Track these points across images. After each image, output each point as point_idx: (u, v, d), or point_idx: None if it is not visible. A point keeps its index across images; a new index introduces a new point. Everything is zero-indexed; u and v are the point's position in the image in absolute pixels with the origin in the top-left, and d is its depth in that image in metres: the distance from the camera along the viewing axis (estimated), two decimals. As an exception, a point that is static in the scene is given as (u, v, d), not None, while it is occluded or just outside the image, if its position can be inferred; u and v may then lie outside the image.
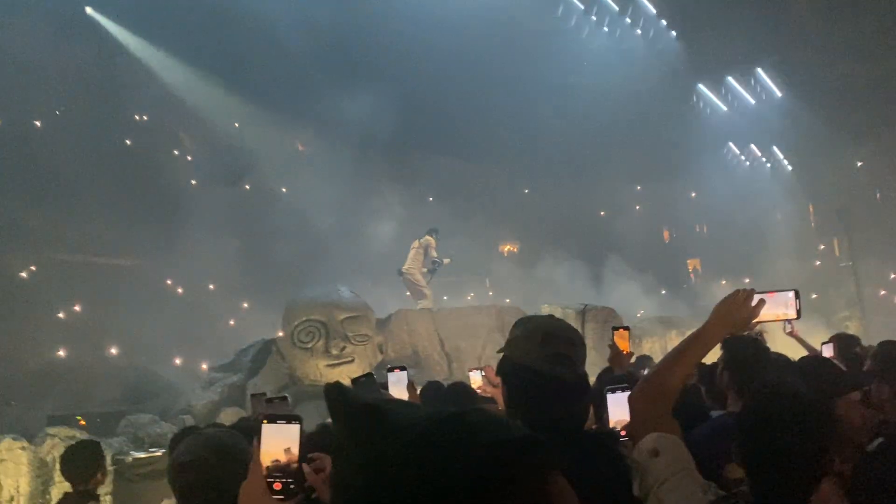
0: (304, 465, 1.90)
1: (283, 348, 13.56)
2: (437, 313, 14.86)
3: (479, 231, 19.96)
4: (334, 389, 0.98)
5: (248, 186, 19.40)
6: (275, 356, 13.53)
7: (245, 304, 17.81)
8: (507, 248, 23.55)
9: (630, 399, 2.25)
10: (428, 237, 15.47)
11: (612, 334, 4.14)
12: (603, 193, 25.24)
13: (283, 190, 19.27)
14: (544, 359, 2.21)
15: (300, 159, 19.96)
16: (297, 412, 2.33)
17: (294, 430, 1.91)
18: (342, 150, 18.77)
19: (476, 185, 21.83)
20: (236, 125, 19.97)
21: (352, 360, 13.44)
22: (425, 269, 15.52)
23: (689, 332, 2.29)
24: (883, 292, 25.16)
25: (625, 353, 4.12)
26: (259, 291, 17.13)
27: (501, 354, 2.38)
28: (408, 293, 15.81)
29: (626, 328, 4.22)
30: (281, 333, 13.68)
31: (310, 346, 13.37)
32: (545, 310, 13.52)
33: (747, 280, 20.40)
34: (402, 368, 3.74)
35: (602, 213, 26.35)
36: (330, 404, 0.96)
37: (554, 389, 2.18)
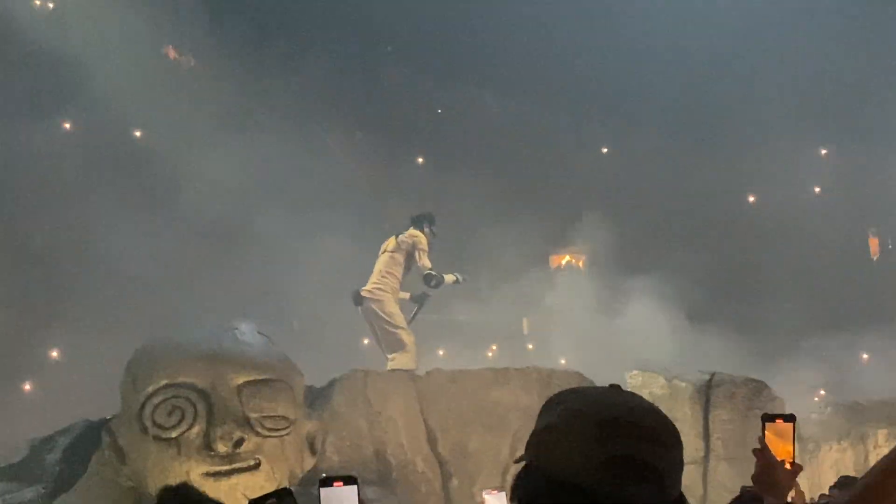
0: None
1: (122, 438, 8.71)
2: (426, 379, 9.71)
3: (516, 225, 13.19)
4: (172, 496, 0.71)
5: (68, 125, 12.59)
6: (106, 453, 8.73)
7: (54, 352, 11.13)
8: (564, 259, 16.76)
9: None
10: (414, 232, 10.31)
11: (763, 428, 2.72)
12: (751, 160, 16.72)
13: (137, 134, 12.49)
14: (603, 469, 1.42)
15: (175, 76, 13.40)
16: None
17: None
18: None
19: (514, 139, 14.76)
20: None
21: (256, 466, 8.46)
22: (407, 295, 10.34)
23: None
24: None
25: (786, 463, 2.68)
26: (84, 327, 10.67)
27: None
28: (369, 339, 10.68)
29: (790, 418, 2.75)
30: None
31: (175, 434, 8.56)
32: (633, 380, 9.07)
33: None
34: (351, 481, 2.49)
35: (751, 198, 17.69)
36: None
37: None
